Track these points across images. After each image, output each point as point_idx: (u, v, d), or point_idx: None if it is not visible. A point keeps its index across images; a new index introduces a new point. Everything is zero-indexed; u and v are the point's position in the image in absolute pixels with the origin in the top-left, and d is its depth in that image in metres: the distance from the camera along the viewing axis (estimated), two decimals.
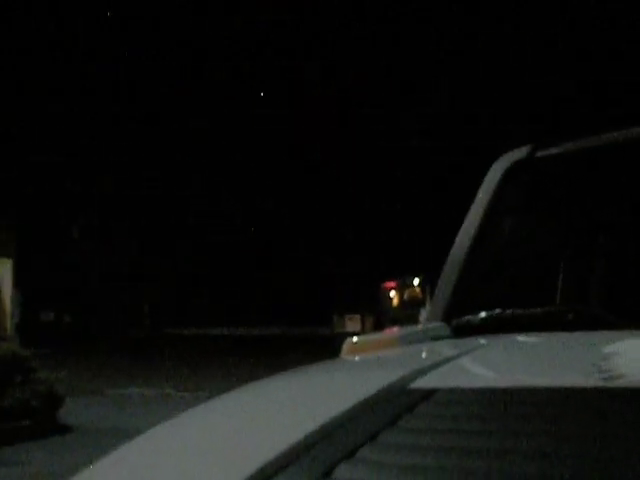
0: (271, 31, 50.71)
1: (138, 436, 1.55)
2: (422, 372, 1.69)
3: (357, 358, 2.27)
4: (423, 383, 1.60)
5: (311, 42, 51.26)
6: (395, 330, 2.65)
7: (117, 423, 14.52)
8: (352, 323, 35.95)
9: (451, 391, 1.56)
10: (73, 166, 46.38)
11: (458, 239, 2.79)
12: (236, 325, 44.91)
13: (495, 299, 2.63)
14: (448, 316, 2.60)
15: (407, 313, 3.11)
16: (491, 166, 2.95)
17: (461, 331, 2.48)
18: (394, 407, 1.45)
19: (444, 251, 2.89)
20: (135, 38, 46.84)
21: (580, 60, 45.02)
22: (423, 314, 2.88)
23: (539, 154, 2.89)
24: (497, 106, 46.59)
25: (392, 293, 3.18)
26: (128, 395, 19.21)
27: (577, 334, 2.21)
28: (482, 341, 2.27)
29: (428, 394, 1.51)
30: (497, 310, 2.51)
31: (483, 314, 2.50)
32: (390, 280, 3.25)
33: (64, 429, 13.81)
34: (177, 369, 26.49)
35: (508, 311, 2.49)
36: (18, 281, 40.05)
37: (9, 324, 39.13)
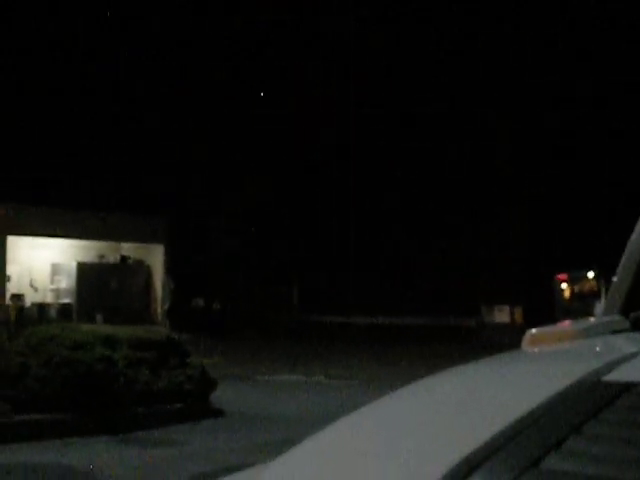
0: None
1: (336, 422, 1.59)
2: (613, 365, 1.69)
3: (542, 350, 2.26)
4: (618, 376, 1.60)
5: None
6: (570, 322, 2.63)
7: (268, 408, 14.72)
8: (501, 314, 35.62)
9: None
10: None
11: (636, 230, 2.75)
12: (382, 314, 44.96)
13: None
14: (626, 309, 2.57)
15: (579, 305, 3.09)
16: None
17: None
18: (594, 400, 1.46)
19: (616, 245, 2.86)
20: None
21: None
22: (598, 307, 2.85)
23: None
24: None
25: (564, 285, 3.16)
26: (278, 381, 19.43)
27: None
28: None
29: (626, 387, 1.51)
30: None
31: None
32: (562, 272, 3.23)
33: (216, 413, 14.01)
34: (326, 356, 26.67)
35: None
36: (169, 267, 40.89)
37: (160, 310, 40.02)
